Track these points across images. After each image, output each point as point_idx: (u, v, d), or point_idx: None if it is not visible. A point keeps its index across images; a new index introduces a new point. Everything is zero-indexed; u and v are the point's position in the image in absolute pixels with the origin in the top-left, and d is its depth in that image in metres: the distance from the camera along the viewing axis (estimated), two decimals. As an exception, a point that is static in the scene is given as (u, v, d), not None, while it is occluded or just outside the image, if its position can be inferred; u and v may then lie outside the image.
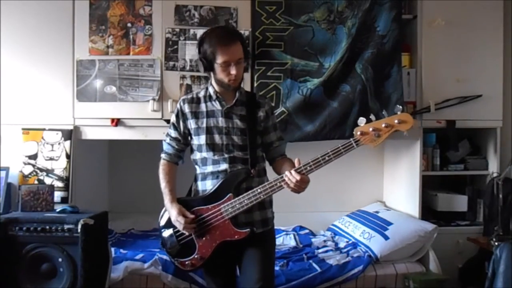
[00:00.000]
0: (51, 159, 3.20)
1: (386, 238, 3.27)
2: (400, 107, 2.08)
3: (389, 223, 3.42)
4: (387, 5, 3.32)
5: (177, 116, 2.32)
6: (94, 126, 3.28)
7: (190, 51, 3.29)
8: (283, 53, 3.34)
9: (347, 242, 3.53)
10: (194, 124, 2.28)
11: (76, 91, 3.26)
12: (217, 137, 2.25)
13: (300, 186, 2.09)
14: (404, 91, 3.35)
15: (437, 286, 3.08)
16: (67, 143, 3.21)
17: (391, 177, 4.02)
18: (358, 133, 2.04)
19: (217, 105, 2.28)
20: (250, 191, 2.16)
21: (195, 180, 2.35)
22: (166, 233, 2.30)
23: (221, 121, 2.26)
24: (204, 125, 2.26)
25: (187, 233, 2.22)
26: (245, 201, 2.15)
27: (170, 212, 2.23)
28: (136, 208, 3.99)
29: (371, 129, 2.03)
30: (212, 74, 2.26)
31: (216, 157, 2.24)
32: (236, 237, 2.17)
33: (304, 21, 3.34)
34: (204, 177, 2.29)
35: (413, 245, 3.24)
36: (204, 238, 2.21)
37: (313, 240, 3.64)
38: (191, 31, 3.30)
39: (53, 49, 3.24)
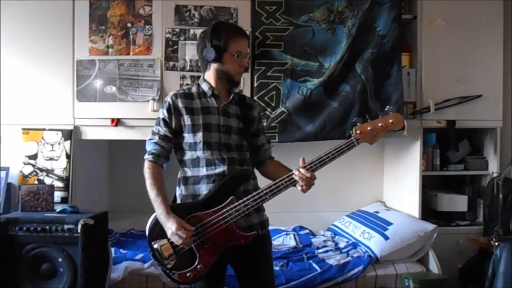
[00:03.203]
0: (51, 159, 3.20)
1: (386, 238, 3.27)
2: (391, 107, 2.33)
3: (389, 223, 3.42)
4: (387, 5, 3.32)
5: (168, 111, 2.15)
6: (94, 126, 3.28)
7: (190, 51, 3.29)
8: (283, 53, 3.34)
9: (347, 242, 3.53)
10: (190, 121, 2.14)
11: (76, 91, 3.26)
12: (214, 135, 2.15)
13: (310, 183, 2.07)
14: (404, 91, 3.35)
15: (437, 286, 3.08)
16: (67, 143, 3.21)
17: (391, 177, 4.02)
18: (358, 131, 2.15)
19: (212, 102, 2.19)
20: (255, 193, 2.07)
21: (183, 183, 2.18)
22: (159, 244, 2.05)
23: (218, 119, 2.17)
24: (201, 122, 2.14)
25: (181, 247, 2.04)
26: (250, 203, 2.06)
27: (167, 224, 2.02)
28: (136, 208, 3.95)
29: (369, 128, 2.16)
30: (214, 66, 2.17)
31: (212, 157, 2.13)
32: (242, 241, 2.07)
33: (304, 21, 3.34)
34: (198, 181, 2.14)
35: (413, 245, 3.24)
36: (205, 246, 2.06)
37: (313, 240, 3.64)
38: (191, 31, 3.30)
39: (53, 49, 3.24)
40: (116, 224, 3.62)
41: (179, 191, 2.20)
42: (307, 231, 3.84)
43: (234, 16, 3.31)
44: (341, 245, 3.50)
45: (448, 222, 3.57)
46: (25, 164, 3.20)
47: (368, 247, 3.29)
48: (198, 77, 3.27)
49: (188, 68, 3.29)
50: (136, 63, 3.28)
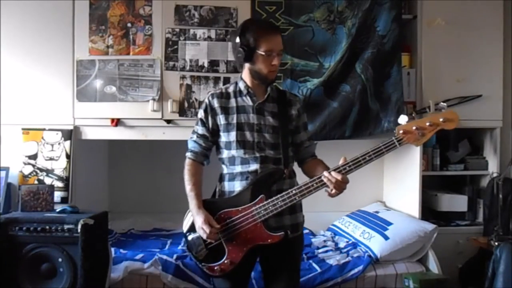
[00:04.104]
0: (51, 159, 3.20)
1: (386, 238, 3.26)
2: (445, 104, 1.99)
3: (389, 223, 3.42)
4: (387, 5, 3.32)
5: (205, 111, 2.21)
6: (94, 126, 3.28)
7: (190, 51, 3.29)
8: (283, 53, 3.33)
9: (347, 242, 3.53)
10: (224, 120, 2.18)
11: (76, 91, 3.26)
12: (248, 134, 2.15)
13: (340, 186, 2.02)
14: (404, 91, 3.35)
15: (437, 286, 3.08)
16: (67, 143, 3.21)
17: (391, 177, 4.02)
18: (401, 131, 1.96)
19: (248, 101, 2.19)
20: (284, 193, 2.06)
21: (221, 180, 2.25)
22: (192, 236, 2.17)
23: (252, 118, 2.17)
24: (235, 121, 2.17)
25: (210, 241, 2.11)
26: (279, 202, 2.05)
27: (195, 218, 2.11)
28: (136, 208, 3.99)
29: (414, 127, 1.96)
30: (247, 66, 2.17)
31: (246, 156, 2.14)
32: (269, 241, 2.06)
33: (304, 21, 3.35)
34: (232, 178, 2.19)
35: (413, 245, 3.24)
36: (234, 242, 2.09)
37: (313, 240, 3.64)
38: (191, 31, 3.30)
39: (53, 49, 3.24)
40: (116, 224, 3.62)
41: (218, 187, 2.26)
42: (307, 231, 3.82)
43: (234, 16, 3.31)
44: (341, 245, 3.50)
45: (448, 222, 3.57)
46: (25, 164, 3.20)
47: (368, 247, 3.29)
48: (198, 77, 3.31)
49: (188, 68, 3.29)
50: (136, 63, 3.28)
